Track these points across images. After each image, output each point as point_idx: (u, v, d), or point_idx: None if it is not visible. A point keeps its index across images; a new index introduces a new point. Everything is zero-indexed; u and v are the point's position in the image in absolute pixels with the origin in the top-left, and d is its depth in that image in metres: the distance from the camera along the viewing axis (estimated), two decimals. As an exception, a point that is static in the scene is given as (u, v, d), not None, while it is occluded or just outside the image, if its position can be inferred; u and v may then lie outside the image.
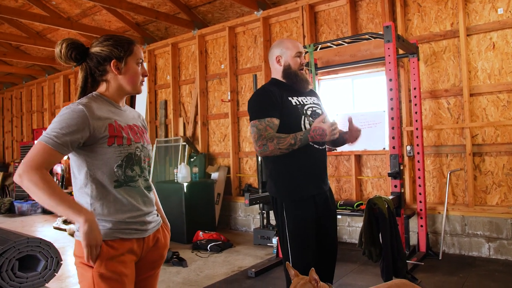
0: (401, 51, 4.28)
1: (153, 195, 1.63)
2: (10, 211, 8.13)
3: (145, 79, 1.60)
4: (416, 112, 4.21)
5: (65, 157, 1.92)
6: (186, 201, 5.13)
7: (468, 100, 4.16)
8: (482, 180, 4.14)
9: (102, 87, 1.52)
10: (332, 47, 4.37)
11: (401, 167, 3.58)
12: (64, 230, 6.01)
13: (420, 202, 4.12)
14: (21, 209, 7.86)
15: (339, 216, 4.63)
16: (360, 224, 3.18)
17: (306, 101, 2.25)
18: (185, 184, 5.18)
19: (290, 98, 2.19)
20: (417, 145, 4.19)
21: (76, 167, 1.44)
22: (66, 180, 8.26)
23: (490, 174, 4.11)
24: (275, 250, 4.23)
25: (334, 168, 5.08)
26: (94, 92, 1.51)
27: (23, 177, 1.30)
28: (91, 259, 1.35)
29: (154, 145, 6.87)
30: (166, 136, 6.94)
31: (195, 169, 5.54)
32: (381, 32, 3.68)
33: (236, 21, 5.91)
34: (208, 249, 4.65)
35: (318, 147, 2.20)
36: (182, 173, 5.33)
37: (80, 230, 1.32)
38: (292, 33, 5.49)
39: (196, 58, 6.43)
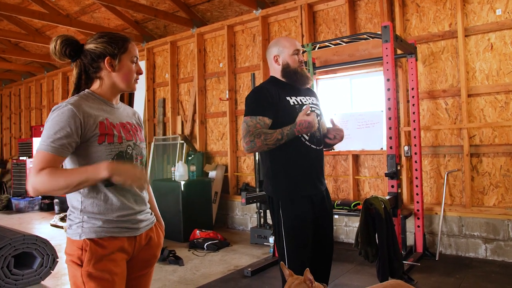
0: (399, 51, 4.28)
1: (146, 194, 1.62)
2: (8, 208, 8.11)
3: (140, 76, 1.58)
4: (413, 113, 4.21)
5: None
6: (183, 199, 5.13)
7: (466, 100, 4.16)
8: (480, 181, 4.15)
9: (96, 84, 1.52)
10: (330, 46, 4.36)
11: (398, 167, 3.58)
12: (61, 227, 6.00)
13: (417, 202, 4.12)
14: (19, 206, 7.85)
15: (336, 216, 4.63)
16: (357, 224, 3.18)
17: (305, 101, 2.23)
18: (183, 183, 5.17)
19: (288, 98, 2.18)
20: (415, 145, 4.18)
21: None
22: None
23: (488, 175, 4.11)
24: (272, 250, 4.23)
25: (332, 167, 5.08)
26: (86, 90, 1.50)
27: (33, 187, 1.31)
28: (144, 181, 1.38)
29: (152, 143, 6.87)
30: (164, 134, 6.94)
31: (193, 168, 5.53)
32: (379, 32, 3.67)
33: (235, 20, 5.90)
34: (205, 248, 4.65)
35: (315, 147, 2.20)
36: (180, 172, 5.33)
37: (113, 180, 1.32)
38: (291, 32, 5.49)
39: (194, 57, 6.43)
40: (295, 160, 2.15)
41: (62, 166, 1.41)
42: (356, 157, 4.90)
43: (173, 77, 6.80)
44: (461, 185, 4.26)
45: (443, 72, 4.37)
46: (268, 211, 4.77)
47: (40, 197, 8.08)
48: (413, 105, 4.21)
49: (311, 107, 2.23)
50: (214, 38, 6.32)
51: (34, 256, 3.59)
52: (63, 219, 6.17)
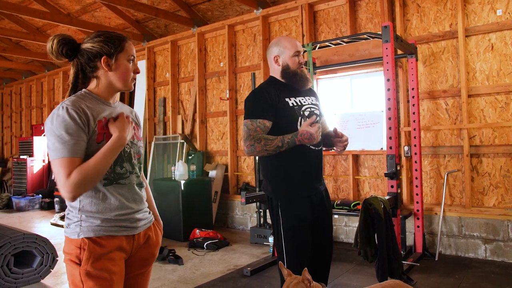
0: (399, 51, 4.28)
1: (145, 192, 1.63)
2: (8, 207, 8.12)
3: (141, 76, 1.59)
4: (414, 113, 4.21)
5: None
6: (183, 198, 5.13)
7: (466, 101, 4.15)
8: (479, 181, 4.14)
9: (93, 84, 1.52)
10: (330, 46, 4.36)
11: (398, 168, 3.58)
12: (61, 226, 6.01)
13: (417, 202, 4.12)
14: (19, 205, 7.86)
15: (336, 216, 4.63)
16: (357, 224, 3.18)
17: (304, 102, 2.23)
18: (183, 182, 5.17)
19: (287, 99, 2.17)
20: (415, 145, 4.18)
21: None
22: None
23: (488, 175, 4.11)
24: (272, 249, 4.23)
25: (332, 167, 5.08)
26: (83, 90, 1.50)
27: (69, 192, 1.33)
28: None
29: (153, 142, 6.87)
30: (165, 133, 6.94)
31: (193, 167, 5.54)
32: (379, 32, 3.66)
33: (235, 19, 5.90)
34: (205, 247, 4.65)
35: (314, 147, 2.20)
36: (180, 171, 5.33)
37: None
38: (291, 32, 5.49)
39: (195, 56, 6.43)
40: (295, 160, 2.15)
41: None
42: (356, 157, 4.90)
43: (173, 76, 6.80)
44: (461, 185, 4.25)
45: (444, 72, 4.36)
46: (267, 210, 4.78)
47: (40, 195, 8.10)
48: (413, 105, 4.21)
49: (310, 107, 2.23)
50: (215, 37, 6.32)
51: (34, 254, 3.59)
52: (63, 218, 6.17)
